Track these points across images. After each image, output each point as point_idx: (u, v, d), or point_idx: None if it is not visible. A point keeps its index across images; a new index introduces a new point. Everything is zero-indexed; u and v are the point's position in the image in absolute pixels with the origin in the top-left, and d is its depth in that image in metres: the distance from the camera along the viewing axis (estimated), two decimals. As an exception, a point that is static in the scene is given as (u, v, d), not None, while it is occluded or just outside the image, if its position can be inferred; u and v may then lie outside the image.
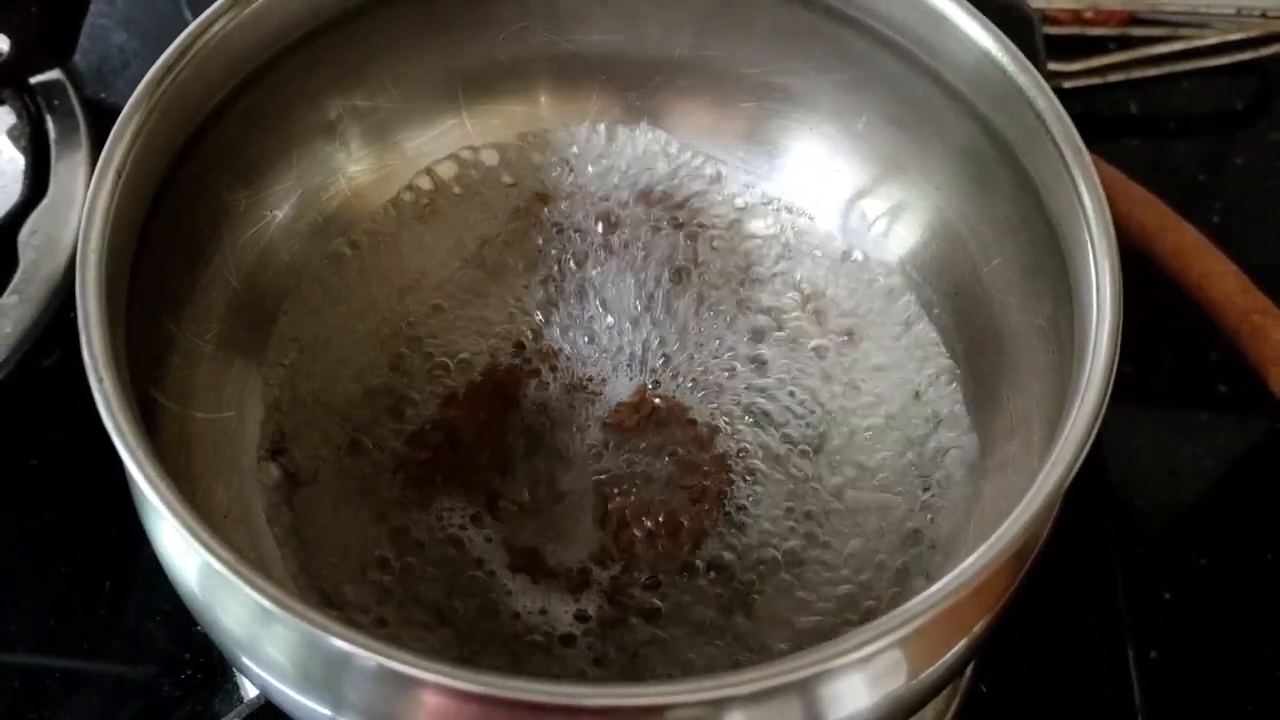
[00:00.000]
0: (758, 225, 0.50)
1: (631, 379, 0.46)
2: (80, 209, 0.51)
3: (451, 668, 0.28)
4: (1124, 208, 0.52)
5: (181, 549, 0.33)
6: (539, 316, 0.47)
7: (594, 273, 0.48)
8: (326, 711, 0.31)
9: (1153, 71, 0.66)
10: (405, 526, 0.42)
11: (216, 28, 0.40)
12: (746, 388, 0.46)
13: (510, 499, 0.43)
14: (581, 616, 0.40)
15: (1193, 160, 0.65)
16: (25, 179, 0.54)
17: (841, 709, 0.30)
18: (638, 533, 0.42)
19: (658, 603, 0.41)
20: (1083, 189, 0.36)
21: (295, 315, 0.46)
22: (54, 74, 0.57)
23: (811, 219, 0.49)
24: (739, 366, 0.46)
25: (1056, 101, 0.38)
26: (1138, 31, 0.67)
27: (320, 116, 0.47)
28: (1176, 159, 0.65)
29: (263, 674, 0.32)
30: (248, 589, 0.29)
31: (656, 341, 0.47)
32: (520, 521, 0.43)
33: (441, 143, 0.50)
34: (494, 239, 0.49)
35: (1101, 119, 0.66)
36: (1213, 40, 0.66)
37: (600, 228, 0.49)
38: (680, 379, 0.46)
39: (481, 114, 0.50)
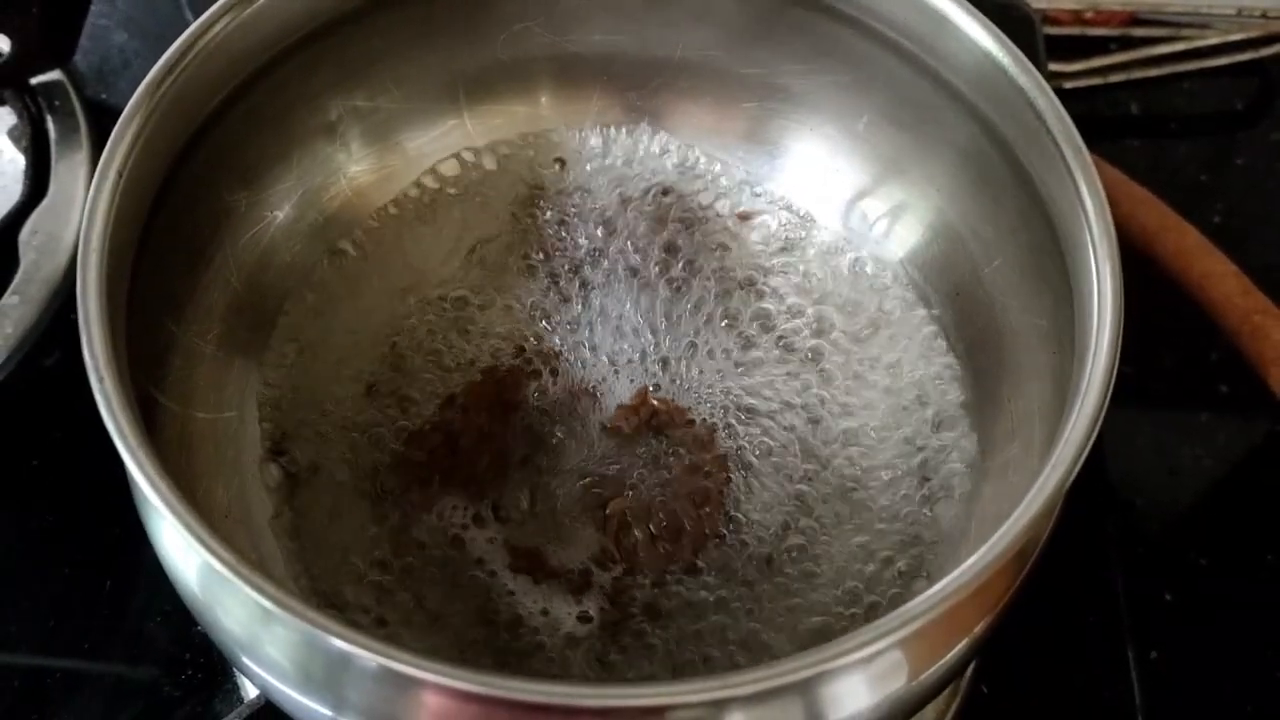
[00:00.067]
0: (758, 226, 0.50)
1: (632, 380, 0.46)
2: (81, 209, 0.52)
3: (452, 668, 0.28)
4: (1125, 208, 0.52)
5: (182, 549, 0.33)
6: (539, 318, 0.47)
7: (594, 274, 0.48)
8: (327, 712, 0.31)
9: (1154, 72, 0.66)
10: (406, 527, 0.42)
11: (217, 28, 0.40)
12: (747, 389, 0.46)
13: (510, 500, 0.43)
14: (583, 617, 0.40)
15: (1194, 161, 0.65)
16: (26, 179, 0.54)
17: (842, 709, 0.30)
18: (639, 534, 0.42)
19: (659, 604, 0.41)
20: (1084, 190, 0.36)
21: (296, 316, 0.46)
22: (55, 74, 0.57)
23: (812, 219, 0.49)
24: (739, 368, 0.46)
25: (1057, 102, 0.38)
26: (1139, 32, 0.67)
27: (321, 117, 0.47)
28: (1177, 159, 0.65)
29: (263, 674, 0.32)
30: (248, 589, 0.29)
31: (657, 343, 0.47)
32: (520, 523, 0.43)
33: (442, 143, 0.50)
34: (495, 239, 0.49)
35: (1102, 119, 0.66)
36: (1214, 40, 0.66)
37: (601, 229, 0.49)
38: (680, 380, 0.46)
39: (483, 114, 0.50)
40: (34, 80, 0.57)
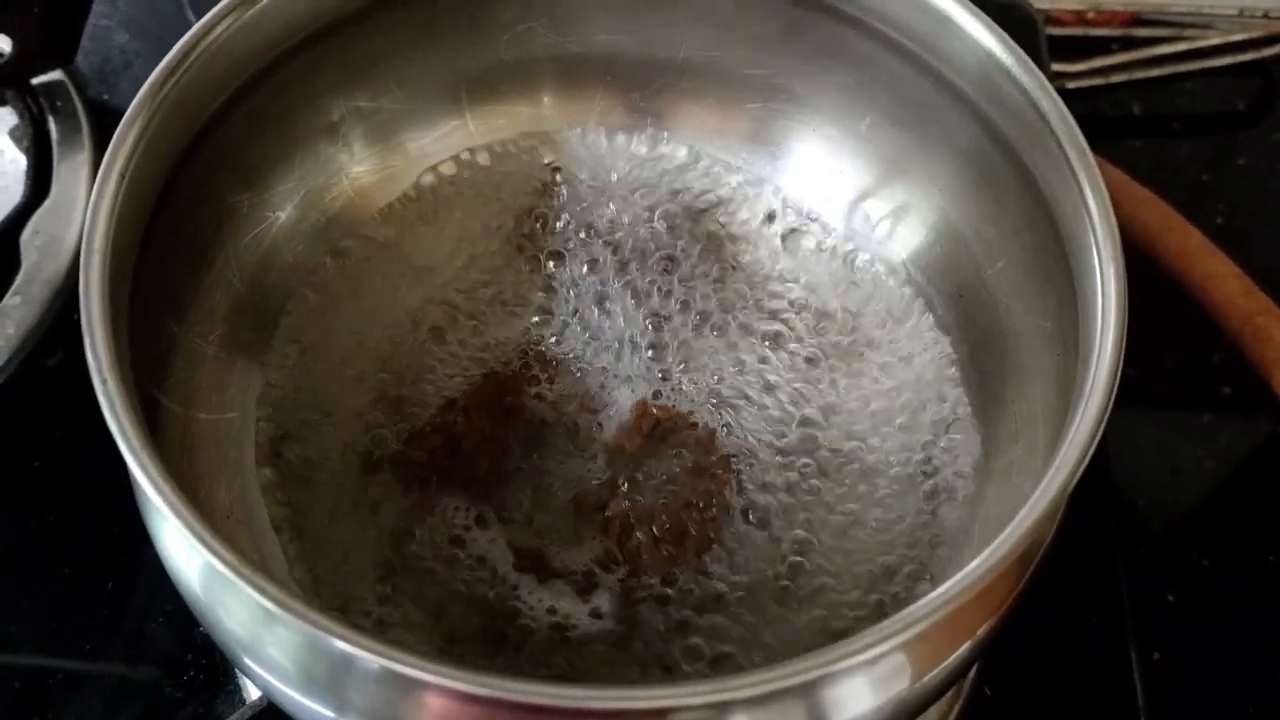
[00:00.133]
0: (760, 226, 0.50)
1: (634, 382, 0.46)
2: (82, 210, 0.52)
3: (454, 669, 0.28)
4: (1127, 209, 0.52)
5: (184, 550, 0.33)
6: (541, 318, 0.47)
7: (596, 275, 0.48)
8: (329, 713, 0.31)
9: (1156, 72, 0.66)
10: (408, 528, 0.42)
11: (219, 29, 0.40)
12: (749, 391, 0.46)
13: (512, 502, 0.43)
14: (588, 618, 0.40)
15: (1196, 161, 0.65)
16: (27, 180, 0.54)
17: (845, 712, 0.30)
18: (642, 536, 0.42)
19: (661, 605, 0.41)
20: (1087, 190, 0.36)
21: (298, 316, 0.46)
22: (56, 75, 0.57)
23: (815, 220, 0.49)
24: (741, 369, 0.46)
25: (1061, 103, 0.38)
26: (1141, 32, 0.67)
27: (323, 118, 0.47)
28: (1179, 160, 0.65)
29: (265, 675, 0.32)
30: (250, 590, 0.29)
31: (659, 344, 0.47)
32: (523, 525, 0.43)
33: (445, 144, 0.50)
34: (497, 240, 0.49)
35: (1104, 120, 0.66)
36: (1215, 41, 0.66)
37: (603, 229, 0.49)
38: (683, 382, 0.46)
39: (485, 115, 0.50)
40: (35, 81, 0.57)
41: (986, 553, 0.30)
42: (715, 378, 0.46)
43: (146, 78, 0.38)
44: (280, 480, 0.43)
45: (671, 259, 0.49)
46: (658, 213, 0.50)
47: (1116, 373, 0.33)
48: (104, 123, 0.56)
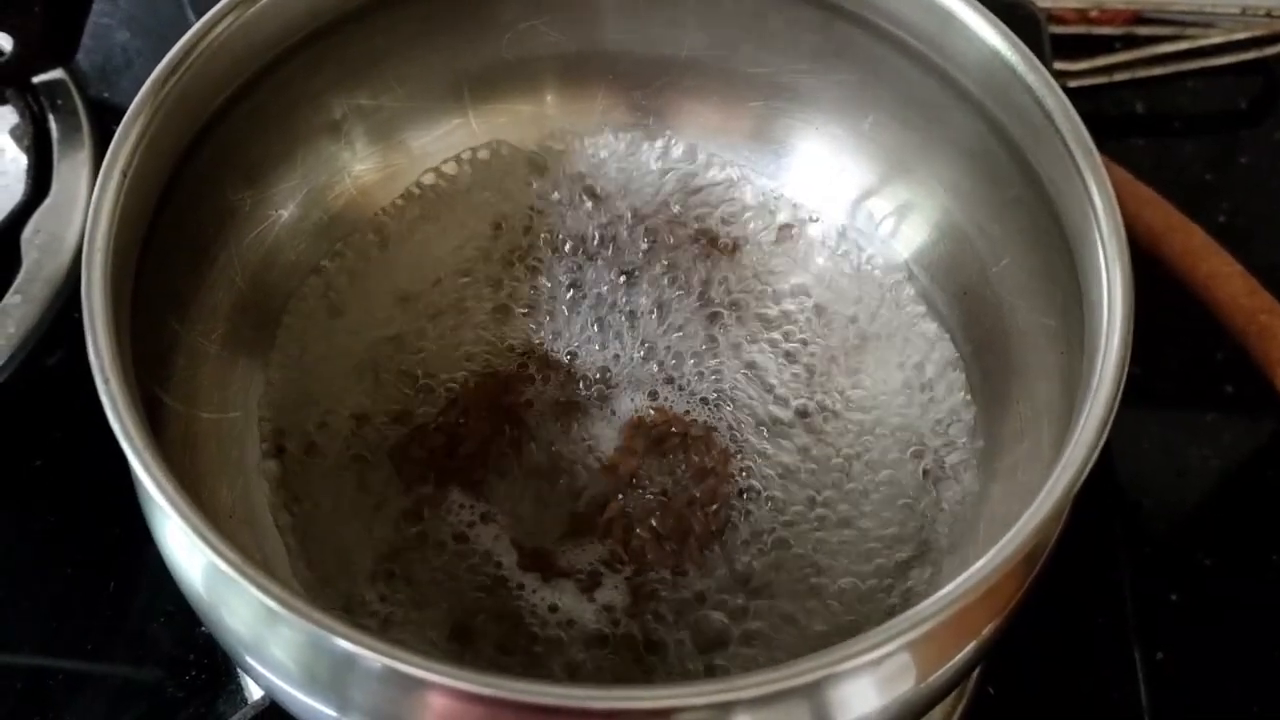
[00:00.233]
0: (763, 225, 0.49)
1: (635, 382, 0.46)
2: (83, 209, 0.52)
3: (457, 669, 0.28)
4: (1131, 208, 0.52)
5: (187, 549, 0.33)
6: (543, 318, 0.47)
7: (598, 272, 0.48)
8: (332, 713, 0.31)
9: (1158, 71, 0.66)
10: (410, 527, 0.42)
11: (221, 28, 0.40)
12: (751, 390, 0.45)
13: (515, 502, 0.43)
14: (591, 618, 0.40)
15: (1199, 160, 0.65)
16: (28, 179, 0.54)
17: (850, 712, 0.30)
18: (644, 535, 0.42)
19: (664, 604, 0.41)
20: (1093, 189, 0.36)
21: (300, 314, 0.46)
22: (57, 73, 0.57)
23: (818, 219, 0.49)
24: (744, 368, 0.46)
25: (1066, 101, 0.38)
26: (1143, 30, 0.67)
27: (325, 116, 0.47)
28: (1182, 158, 0.65)
29: (268, 675, 0.32)
30: (253, 589, 0.29)
31: (660, 344, 0.47)
32: (525, 524, 0.42)
33: (447, 142, 0.50)
34: (498, 239, 0.49)
35: (1107, 118, 0.66)
36: (1218, 39, 0.66)
37: (605, 228, 0.49)
38: (684, 381, 0.46)
39: (487, 113, 0.50)
40: (36, 79, 0.57)
41: (992, 553, 0.30)
42: (716, 377, 0.46)
43: (147, 76, 0.38)
44: (283, 479, 0.43)
45: (672, 256, 0.49)
46: (660, 211, 0.50)
47: (1123, 371, 0.33)
48: (104, 121, 0.56)
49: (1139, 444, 0.54)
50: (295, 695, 0.31)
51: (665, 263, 0.48)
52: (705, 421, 0.45)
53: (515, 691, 0.28)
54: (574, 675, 0.39)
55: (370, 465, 0.43)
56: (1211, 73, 0.66)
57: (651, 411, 0.45)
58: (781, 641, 0.40)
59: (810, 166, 0.49)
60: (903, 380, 0.45)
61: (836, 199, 0.49)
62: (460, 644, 0.40)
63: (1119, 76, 0.66)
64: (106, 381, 0.32)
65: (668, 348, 0.47)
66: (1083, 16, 0.67)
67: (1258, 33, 0.66)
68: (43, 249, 0.52)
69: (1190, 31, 0.67)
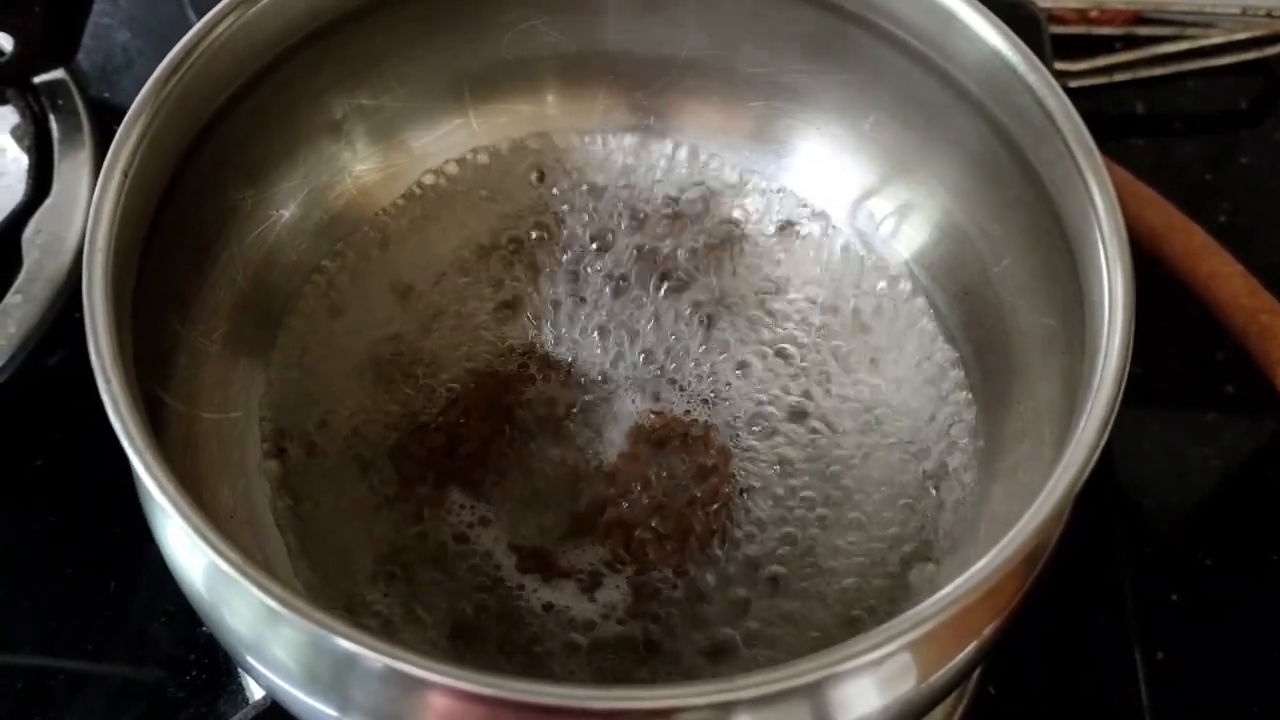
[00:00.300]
0: (763, 225, 0.49)
1: (635, 382, 0.46)
2: (84, 209, 0.52)
3: (458, 669, 0.28)
4: (1132, 209, 0.51)
5: (188, 549, 0.33)
6: (544, 318, 0.47)
7: (598, 273, 0.48)
8: (333, 713, 0.31)
9: (1158, 71, 0.66)
10: (411, 527, 0.42)
11: (222, 27, 0.40)
12: (751, 390, 0.45)
13: (515, 502, 0.43)
14: (592, 618, 0.40)
15: (1199, 160, 0.65)
16: (29, 178, 0.54)
17: (850, 712, 0.30)
18: (645, 535, 0.42)
19: (664, 604, 0.41)
20: (1094, 189, 0.36)
21: (301, 314, 0.46)
22: (57, 73, 0.57)
23: (818, 219, 0.49)
24: (743, 369, 0.46)
25: (1067, 101, 0.38)
26: (1143, 31, 0.67)
27: (326, 116, 0.47)
28: (1183, 159, 0.65)
29: (269, 675, 0.32)
30: (254, 589, 0.29)
31: (660, 344, 0.47)
32: (526, 525, 0.42)
33: (448, 142, 0.50)
34: (500, 239, 0.49)
35: (1108, 119, 0.66)
36: (1218, 39, 0.66)
37: (605, 228, 0.49)
38: (685, 381, 0.46)
39: (488, 113, 0.50)
40: (37, 79, 0.57)
41: (993, 553, 0.30)
42: (716, 377, 0.46)
43: (148, 76, 0.38)
44: (284, 479, 0.43)
45: (672, 257, 0.49)
46: (660, 211, 0.50)
47: (1124, 371, 0.33)
48: (105, 121, 0.56)
49: (1140, 444, 0.54)
50: (296, 695, 0.31)
51: (664, 263, 0.48)
52: (706, 421, 0.45)
53: (516, 691, 0.28)
54: (574, 675, 0.39)
55: (371, 465, 0.43)
56: (1212, 73, 0.66)
57: (652, 412, 0.45)
58: (782, 641, 0.40)
59: (811, 166, 0.49)
60: (902, 380, 0.45)
61: (837, 199, 0.49)
62: (461, 644, 0.40)
63: (1119, 76, 0.66)
64: (108, 381, 0.32)
65: (668, 348, 0.47)
66: (1083, 16, 0.67)
67: (1258, 33, 0.66)
68: (44, 249, 0.52)
69: (1190, 31, 0.67)
